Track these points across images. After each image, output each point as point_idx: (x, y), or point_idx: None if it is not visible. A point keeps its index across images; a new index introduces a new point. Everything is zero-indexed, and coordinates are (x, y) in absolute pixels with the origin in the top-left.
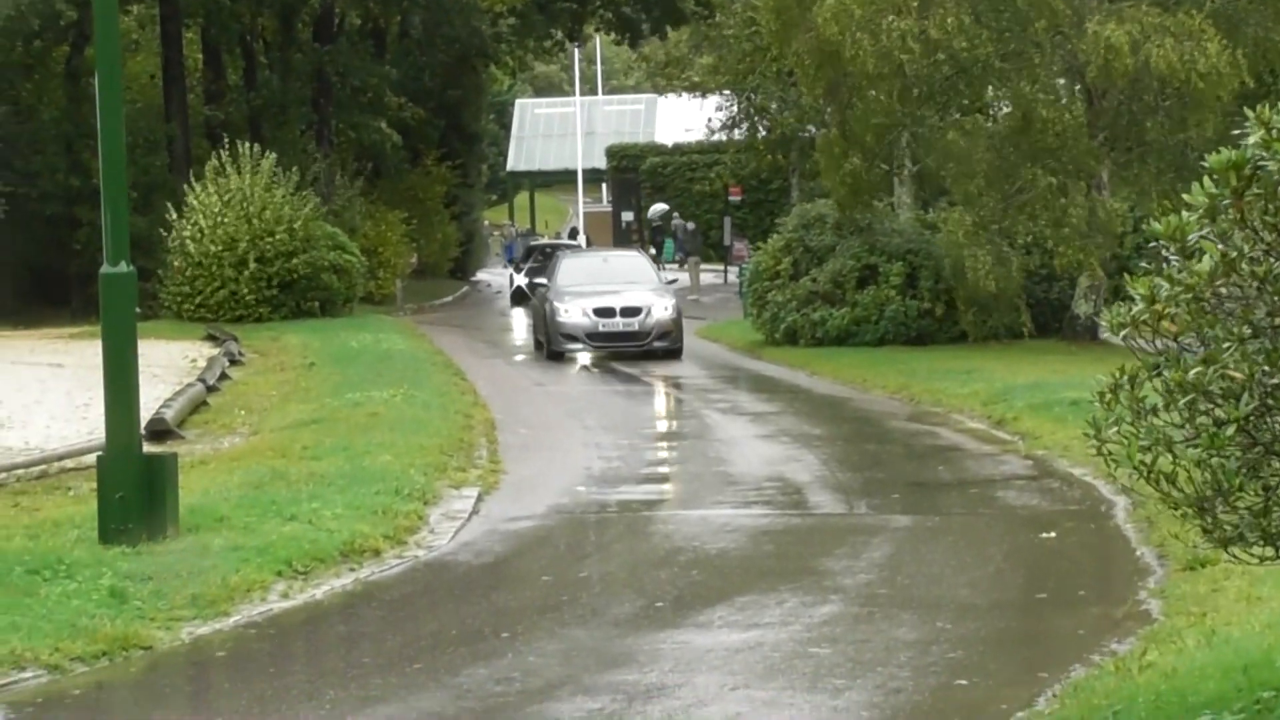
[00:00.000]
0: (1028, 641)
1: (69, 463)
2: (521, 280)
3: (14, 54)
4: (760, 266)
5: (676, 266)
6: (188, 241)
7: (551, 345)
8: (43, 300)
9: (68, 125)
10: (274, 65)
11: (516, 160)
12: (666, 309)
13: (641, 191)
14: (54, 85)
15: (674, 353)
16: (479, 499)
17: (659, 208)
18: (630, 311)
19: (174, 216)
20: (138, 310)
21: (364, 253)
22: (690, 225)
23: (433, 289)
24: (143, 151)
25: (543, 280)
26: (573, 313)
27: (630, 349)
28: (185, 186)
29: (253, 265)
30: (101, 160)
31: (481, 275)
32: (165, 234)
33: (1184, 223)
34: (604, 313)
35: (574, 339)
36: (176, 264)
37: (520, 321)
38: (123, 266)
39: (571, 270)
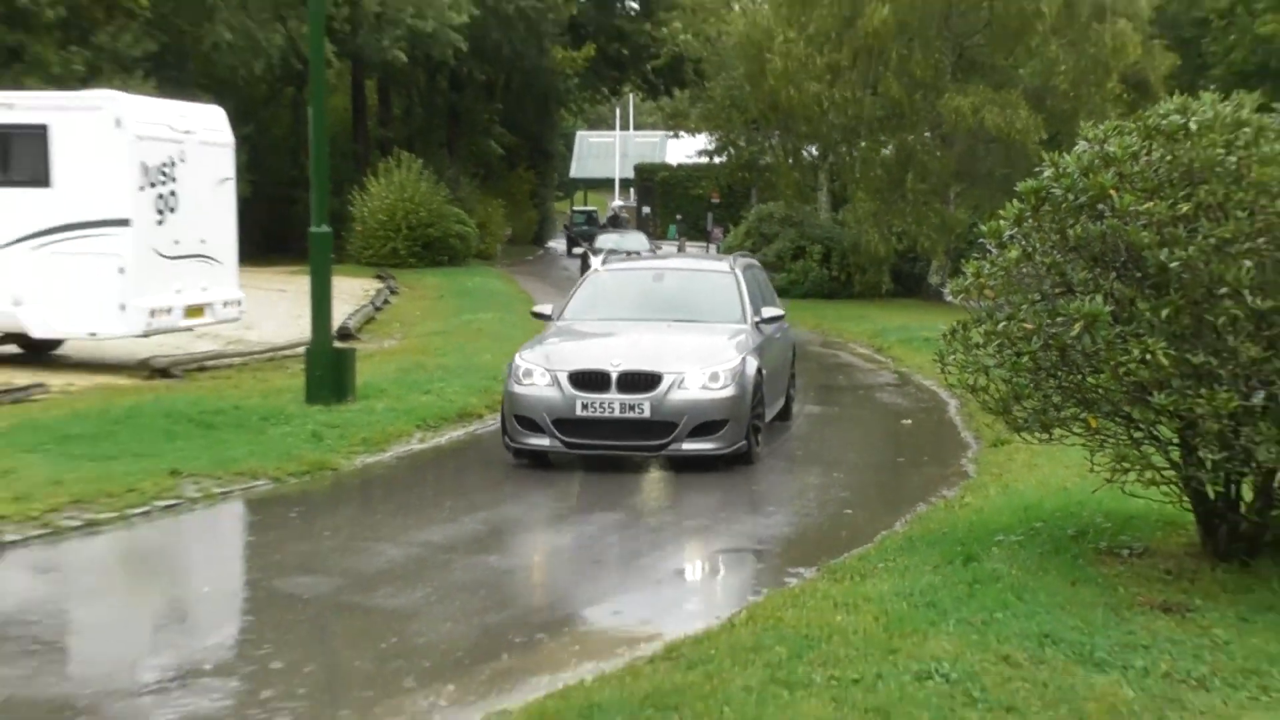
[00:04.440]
0: (891, 488)
1: (288, 352)
2: (597, 263)
3: (259, 91)
4: (730, 244)
5: (676, 243)
6: (365, 214)
7: (506, 432)
8: (271, 250)
9: (291, 139)
10: (422, 103)
11: (576, 171)
12: (718, 378)
13: (655, 194)
14: (283, 112)
15: (730, 460)
16: None
17: (616, 203)
18: (636, 382)
19: (357, 198)
20: (332, 256)
21: (477, 226)
22: (624, 215)
23: (520, 251)
24: (338, 156)
25: (543, 310)
26: (535, 377)
27: (632, 452)
28: (365, 179)
29: (404, 230)
30: (312, 160)
31: (551, 244)
32: (351, 208)
33: (1000, 226)
34: (587, 381)
35: (533, 426)
36: (358, 228)
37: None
38: (324, 228)
39: (597, 292)
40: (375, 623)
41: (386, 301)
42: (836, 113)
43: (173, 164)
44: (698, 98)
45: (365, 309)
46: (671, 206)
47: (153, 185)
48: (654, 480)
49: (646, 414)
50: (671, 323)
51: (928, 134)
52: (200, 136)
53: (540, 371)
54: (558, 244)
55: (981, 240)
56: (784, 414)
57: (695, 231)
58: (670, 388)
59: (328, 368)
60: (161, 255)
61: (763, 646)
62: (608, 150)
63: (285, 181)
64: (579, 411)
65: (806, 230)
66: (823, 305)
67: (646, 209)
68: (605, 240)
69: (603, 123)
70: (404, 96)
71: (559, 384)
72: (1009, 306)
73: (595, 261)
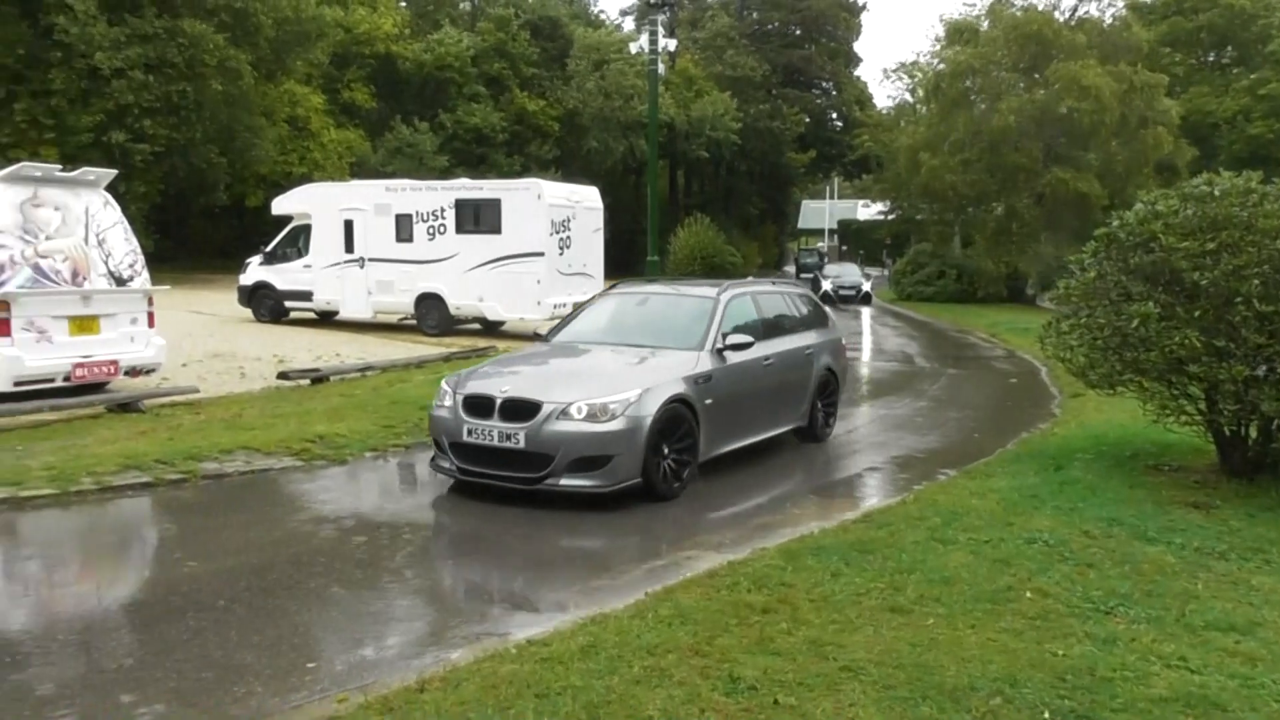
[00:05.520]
0: (1005, 422)
1: None
2: (827, 286)
3: (616, 177)
4: (897, 269)
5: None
6: (677, 249)
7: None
8: (621, 270)
9: (634, 205)
10: (710, 184)
11: (800, 224)
12: (606, 410)
13: (850, 238)
14: (629, 190)
15: (610, 500)
16: None
17: (820, 246)
18: (516, 410)
19: (673, 240)
20: (659, 273)
21: (742, 257)
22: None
23: (766, 272)
24: (661, 216)
25: (541, 331)
26: (445, 400)
27: (509, 484)
28: (677, 229)
29: (699, 259)
30: (649, 218)
31: (786, 267)
32: (668, 246)
33: (1083, 257)
34: (476, 407)
35: (439, 446)
36: (673, 257)
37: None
38: (654, 258)
39: (592, 315)
40: (688, 491)
41: None
42: (966, 189)
43: (568, 220)
44: (877, 180)
45: None
46: (860, 247)
47: (557, 233)
48: (858, 412)
49: (521, 444)
50: (632, 347)
51: (1027, 199)
52: (584, 204)
53: (449, 394)
54: (789, 268)
55: (1068, 265)
56: (810, 436)
57: (874, 261)
58: (548, 418)
59: None
60: (560, 273)
61: (925, 517)
62: (821, 211)
63: (630, 231)
64: (465, 437)
65: (946, 260)
66: (956, 307)
67: (844, 248)
68: (829, 270)
69: (818, 194)
70: (699, 180)
71: (457, 408)
72: (1087, 309)
73: (825, 284)
